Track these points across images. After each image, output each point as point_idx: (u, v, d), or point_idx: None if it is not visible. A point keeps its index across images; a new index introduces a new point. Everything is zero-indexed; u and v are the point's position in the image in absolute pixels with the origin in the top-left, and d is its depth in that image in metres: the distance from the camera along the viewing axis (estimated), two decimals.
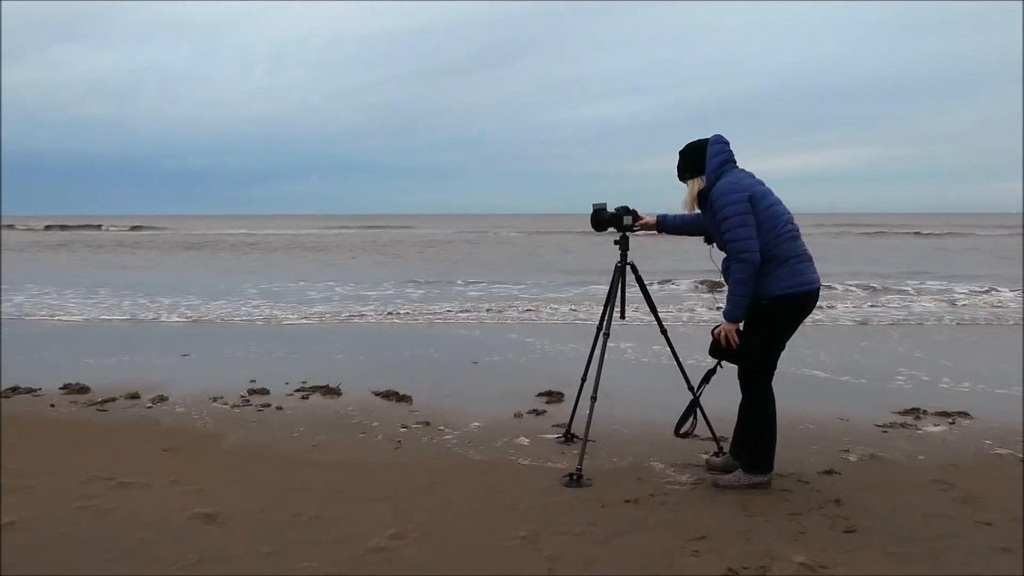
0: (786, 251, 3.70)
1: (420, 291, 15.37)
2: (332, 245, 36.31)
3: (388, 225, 63.86)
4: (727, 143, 3.85)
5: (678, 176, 3.97)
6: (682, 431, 4.14)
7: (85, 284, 16.07)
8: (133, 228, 57.49)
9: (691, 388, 4.28)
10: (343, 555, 3.15)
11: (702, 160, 3.82)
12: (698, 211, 3.98)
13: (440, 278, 18.31)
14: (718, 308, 4.41)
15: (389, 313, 11.68)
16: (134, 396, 5.96)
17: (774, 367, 3.86)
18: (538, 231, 52.52)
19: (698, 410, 4.17)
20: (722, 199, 3.69)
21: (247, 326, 10.35)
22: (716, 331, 3.83)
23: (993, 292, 14.16)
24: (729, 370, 3.94)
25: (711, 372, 4.04)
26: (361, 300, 13.66)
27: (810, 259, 3.80)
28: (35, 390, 6.15)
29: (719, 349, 3.84)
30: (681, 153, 3.93)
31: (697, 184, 3.86)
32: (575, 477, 4.01)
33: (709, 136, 3.88)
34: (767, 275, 3.70)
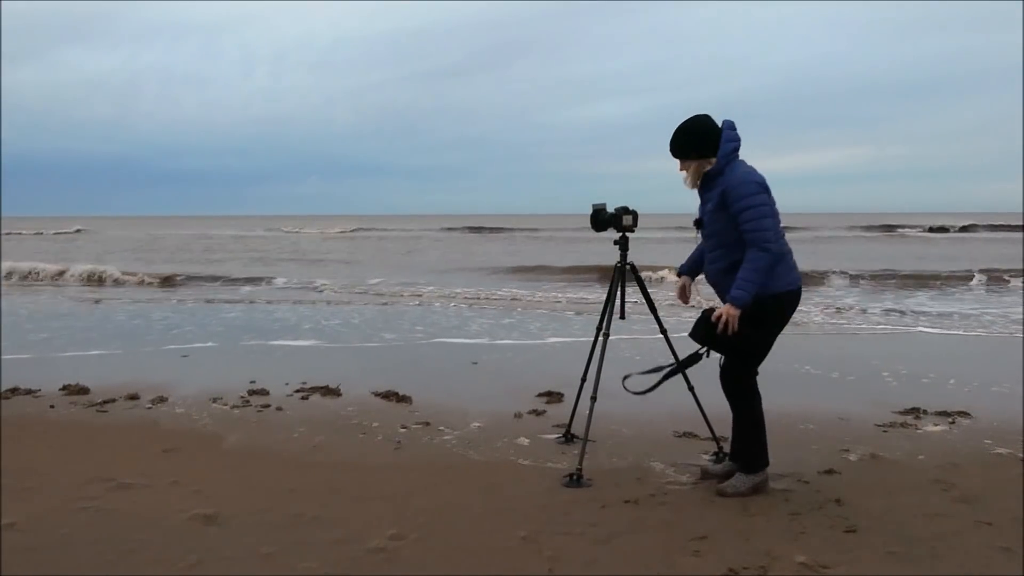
0: (783, 247, 3.69)
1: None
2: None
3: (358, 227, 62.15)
4: (736, 131, 3.77)
5: (678, 153, 3.77)
6: (638, 390, 4.05)
7: None
8: (77, 231, 57.04)
9: (690, 388, 4.30)
10: (343, 555, 3.15)
11: (715, 142, 3.69)
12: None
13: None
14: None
15: None
16: (134, 397, 5.96)
17: (759, 364, 3.83)
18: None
19: (664, 380, 4.07)
20: (746, 187, 3.59)
21: None
22: (716, 315, 3.63)
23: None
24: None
25: (696, 357, 3.93)
26: None
27: None
28: (35, 391, 6.15)
29: (709, 334, 3.69)
30: (685, 131, 3.74)
31: (705, 165, 3.72)
32: (575, 477, 4.01)
33: (718, 120, 3.75)
34: (771, 271, 3.63)
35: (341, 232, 52.78)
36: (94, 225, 73.43)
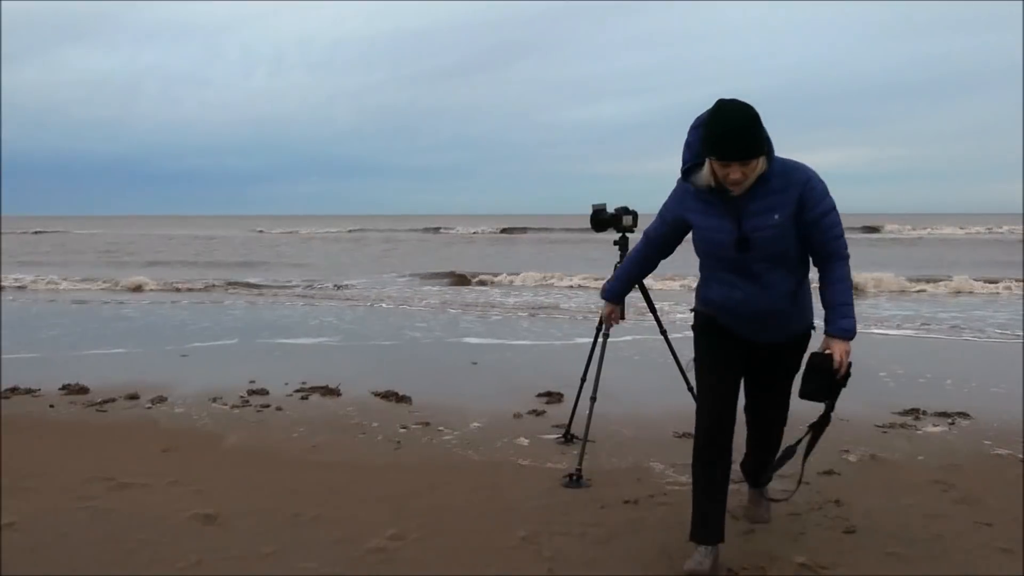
0: None
1: None
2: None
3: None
4: None
5: (755, 149, 2.66)
6: (775, 498, 3.31)
7: None
8: (35, 232, 55.62)
9: (690, 388, 4.28)
10: (343, 555, 3.15)
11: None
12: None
13: None
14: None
15: None
16: (133, 397, 5.96)
17: None
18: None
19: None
20: (825, 186, 2.81)
21: None
22: (838, 360, 2.81)
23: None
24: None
25: (827, 419, 3.00)
26: None
27: None
28: (35, 391, 6.15)
29: (834, 385, 2.87)
30: (756, 120, 2.65)
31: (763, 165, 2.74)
32: (575, 477, 4.00)
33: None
34: (808, 294, 2.97)
35: (311, 232, 52.59)
36: (89, 225, 73.25)
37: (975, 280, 15.60)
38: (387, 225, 68.02)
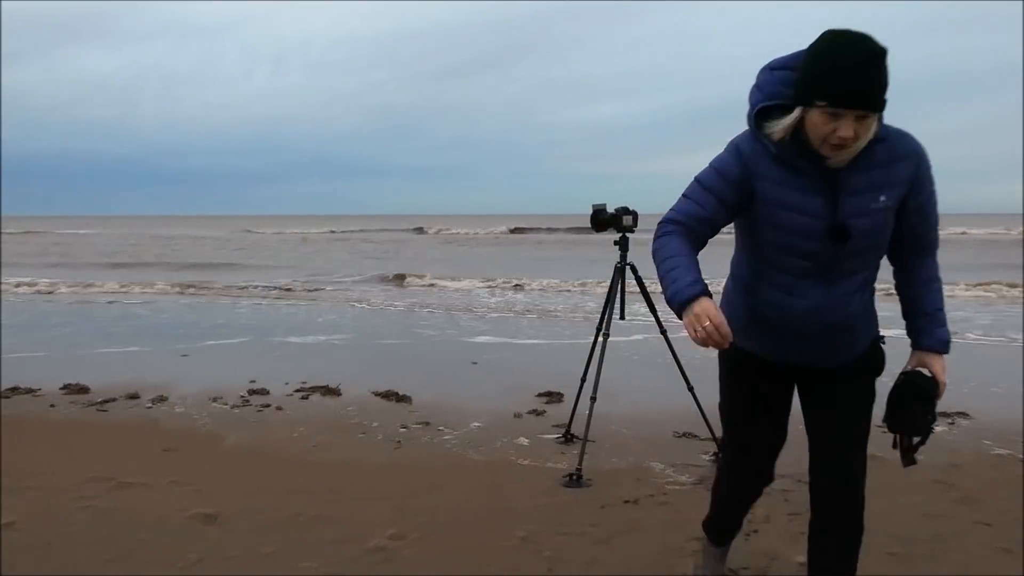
0: None
1: None
2: None
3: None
4: None
5: (878, 100, 1.89)
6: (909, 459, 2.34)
7: None
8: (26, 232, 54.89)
9: (690, 388, 4.28)
10: (343, 555, 3.15)
11: None
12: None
13: None
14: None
15: None
16: (134, 396, 5.96)
17: None
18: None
19: None
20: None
21: None
22: (943, 378, 2.28)
23: None
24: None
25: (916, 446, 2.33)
26: None
27: None
28: (35, 390, 6.15)
29: (931, 413, 2.28)
30: (885, 57, 1.87)
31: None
32: (575, 477, 4.01)
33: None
34: (874, 298, 2.28)
35: (289, 232, 52.60)
36: (82, 226, 73.19)
37: (972, 283, 15.58)
38: (381, 225, 68.03)
